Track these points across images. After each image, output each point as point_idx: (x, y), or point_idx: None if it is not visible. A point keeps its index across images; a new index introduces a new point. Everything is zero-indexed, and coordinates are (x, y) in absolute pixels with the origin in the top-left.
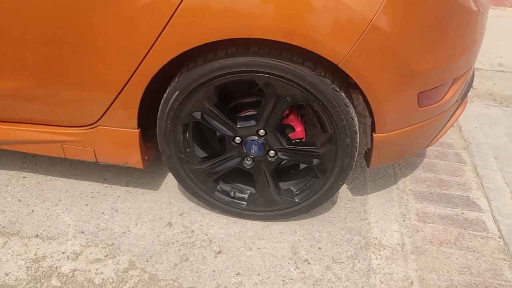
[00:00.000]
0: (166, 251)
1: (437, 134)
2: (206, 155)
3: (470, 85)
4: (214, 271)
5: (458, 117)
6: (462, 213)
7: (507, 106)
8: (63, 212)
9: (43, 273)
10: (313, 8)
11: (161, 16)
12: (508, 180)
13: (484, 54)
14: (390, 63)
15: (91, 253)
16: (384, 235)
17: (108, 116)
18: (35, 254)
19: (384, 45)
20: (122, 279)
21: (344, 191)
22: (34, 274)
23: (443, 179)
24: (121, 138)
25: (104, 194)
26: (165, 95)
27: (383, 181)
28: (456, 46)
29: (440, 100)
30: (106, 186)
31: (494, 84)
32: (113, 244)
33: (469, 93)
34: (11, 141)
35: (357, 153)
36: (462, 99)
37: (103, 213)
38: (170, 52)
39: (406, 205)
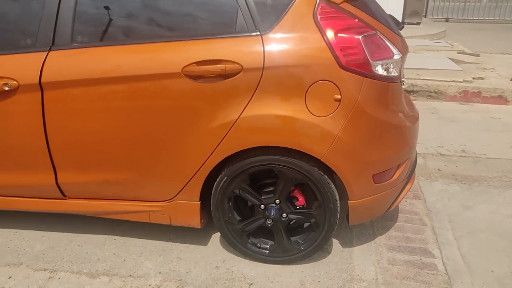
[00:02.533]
0: (216, 283)
1: (394, 202)
2: (240, 218)
3: (413, 168)
4: None
5: (408, 190)
6: (420, 259)
7: (464, 183)
8: (145, 260)
9: None
10: (305, 129)
11: (223, 131)
12: (457, 236)
13: (450, 143)
14: (350, 157)
15: (167, 285)
16: (364, 273)
17: (181, 194)
18: (131, 286)
19: (346, 147)
20: None
21: (336, 245)
22: None
23: (409, 237)
24: (188, 208)
25: (171, 249)
26: (217, 180)
27: (364, 238)
28: (394, 145)
29: (390, 179)
30: (171, 243)
31: (456, 166)
32: (181, 279)
33: (435, 174)
34: (112, 212)
35: (339, 214)
36: (408, 178)
37: (172, 260)
38: (224, 154)
39: (380, 254)
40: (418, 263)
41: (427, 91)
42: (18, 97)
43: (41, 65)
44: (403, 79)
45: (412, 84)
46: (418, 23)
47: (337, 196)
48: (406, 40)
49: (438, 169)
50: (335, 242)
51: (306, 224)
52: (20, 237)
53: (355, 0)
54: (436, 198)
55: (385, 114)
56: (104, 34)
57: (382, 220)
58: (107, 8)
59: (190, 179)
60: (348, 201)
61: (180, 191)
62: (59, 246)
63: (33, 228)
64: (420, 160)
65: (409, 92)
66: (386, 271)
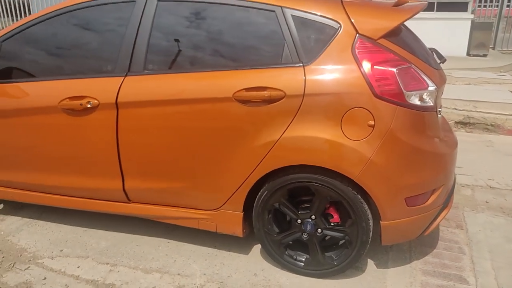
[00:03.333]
0: None
1: (428, 227)
2: (278, 230)
3: (450, 194)
4: None
5: (444, 217)
6: (454, 285)
7: (511, 217)
8: (193, 262)
9: None
10: (339, 151)
11: (266, 150)
12: (495, 267)
13: (502, 176)
14: (382, 179)
15: (210, 285)
16: None
17: (226, 204)
18: (178, 284)
19: (378, 170)
20: None
21: (371, 265)
22: None
23: (445, 263)
24: (232, 218)
25: (216, 255)
26: (259, 193)
27: (400, 261)
28: (428, 171)
29: (424, 203)
30: (217, 250)
31: (505, 200)
32: (222, 281)
33: (481, 206)
34: (168, 217)
35: (371, 233)
36: (445, 204)
37: (215, 265)
38: (265, 170)
39: (414, 277)
40: None
41: (483, 123)
42: (98, 114)
43: (118, 88)
44: (440, 109)
45: (468, 116)
46: (484, 55)
47: (369, 216)
48: (469, 72)
49: (486, 201)
50: (370, 262)
51: (340, 242)
52: (88, 235)
53: (393, 36)
54: (479, 229)
55: (418, 140)
56: (170, 63)
57: (421, 245)
58: (174, 41)
59: (235, 192)
60: (380, 222)
61: (226, 201)
62: (120, 244)
63: (99, 228)
64: (468, 192)
65: (464, 124)
66: None
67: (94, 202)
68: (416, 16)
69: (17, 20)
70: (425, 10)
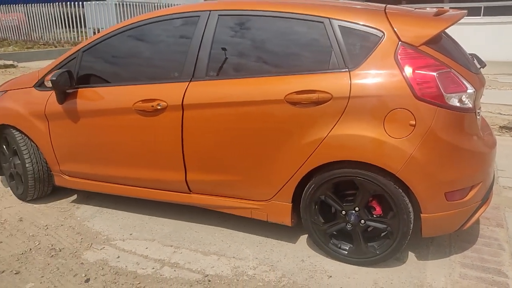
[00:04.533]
0: (301, 272)
1: (467, 221)
2: (324, 221)
3: (488, 192)
4: (327, 284)
5: (482, 212)
6: (492, 277)
7: None
8: (245, 248)
9: (239, 273)
10: (382, 148)
11: (313, 147)
12: None
13: None
14: (423, 174)
15: (262, 268)
16: (434, 282)
17: (277, 196)
18: (234, 265)
19: (419, 166)
20: (278, 282)
21: (412, 257)
22: (235, 273)
23: (484, 258)
24: (282, 208)
25: (266, 242)
26: (307, 186)
27: (440, 254)
28: (467, 168)
29: (462, 198)
30: (267, 238)
31: None
32: (272, 265)
33: None
34: (224, 206)
35: (411, 225)
36: (483, 200)
37: (266, 251)
38: (313, 165)
39: (453, 268)
40: (490, 280)
41: None
42: (166, 114)
43: (184, 92)
44: (479, 110)
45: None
46: None
47: (410, 209)
48: None
49: None
50: (411, 255)
51: (382, 233)
52: (153, 221)
53: (433, 43)
54: None
55: (457, 139)
56: (229, 70)
57: (460, 241)
58: (232, 50)
59: (285, 184)
60: (421, 214)
61: (276, 193)
62: (181, 230)
63: (161, 216)
64: (510, 194)
65: (509, 129)
66: (456, 283)
67: (159, 192)
68: (461, 21)
69: (72, 31)
70: (471, 15)
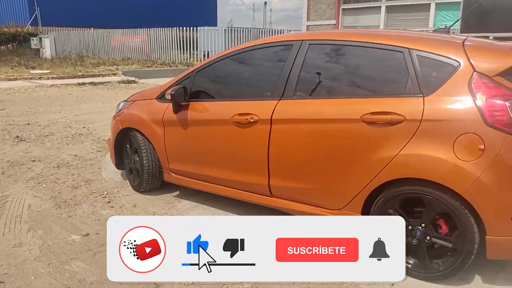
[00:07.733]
0: None
1: None
2: None
3: None
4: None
5: None
6: None
7: None
8: None
9: None
10: (451, 169)
11: (384, 163)
12: None
13: None
14: (489, 197)
15: None
16: None
17: (348, 206)
18: None
19: (485, 189)
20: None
21: (477, 279)
22: None
23: None
24: None
25: None
26: (376, 199)
27: (508, 281)
28: None
29: None
30: None
31: None
32: None
33: None
34: (299, 211)
35: (476, 245)
36: None
37: None
38: (383, 180)
39: None
40: None
41: None
42: (257, 126)
43: (273, 108)
44: None
45: None
46: None
47: (476, 229)
48: None
49: None
50: (477, 277)
51: (448, 252)
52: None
53: (508, 74)
54: None
55: None
56: (313, 91)
57: None
58: (318, 74)
59: (355, 196)
60: (486, 236)
61: (347, 204)
62: None
63: (245, 215)
64: None
65: None
66: None
67: (245, 193)
68: None
69: (185, 52)
70: None
